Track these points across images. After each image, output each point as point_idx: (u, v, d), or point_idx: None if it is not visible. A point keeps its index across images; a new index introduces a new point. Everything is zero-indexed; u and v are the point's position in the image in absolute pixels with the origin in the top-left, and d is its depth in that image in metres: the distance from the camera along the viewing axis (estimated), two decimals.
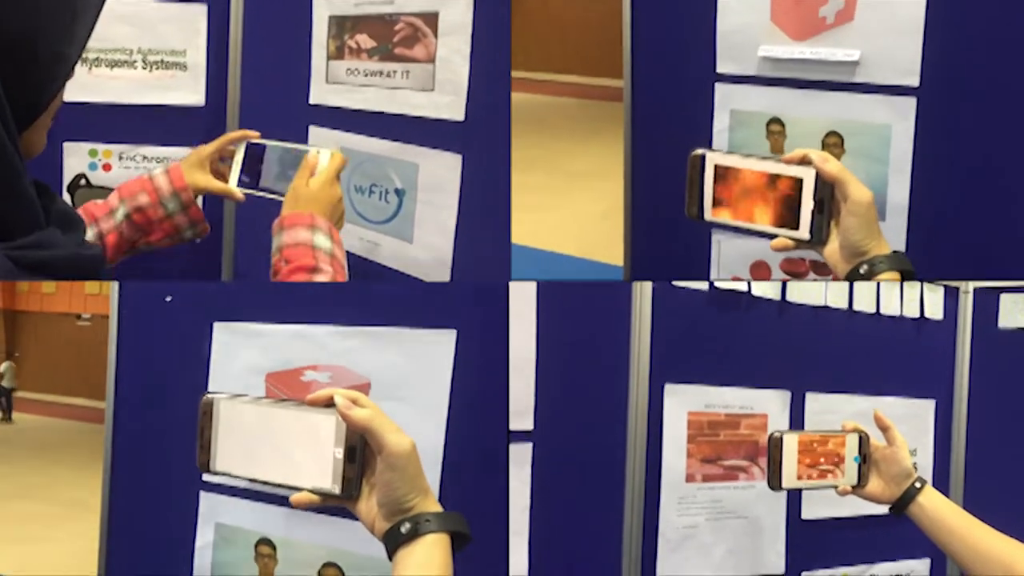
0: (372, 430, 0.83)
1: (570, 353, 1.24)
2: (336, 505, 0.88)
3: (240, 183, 1.39)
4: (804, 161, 1.03)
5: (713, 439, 1.33)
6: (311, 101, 1.62)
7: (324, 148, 1.30)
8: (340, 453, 0.86)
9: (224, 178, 1.41)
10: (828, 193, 1.02)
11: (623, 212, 1.62)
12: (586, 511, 1.26)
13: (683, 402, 1.31)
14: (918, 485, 1.10)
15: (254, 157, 1.38)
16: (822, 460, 1.13)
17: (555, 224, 3.46)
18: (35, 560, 3.82)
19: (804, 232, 1.04)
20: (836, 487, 1.13)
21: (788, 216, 1.05)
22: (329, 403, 0.86)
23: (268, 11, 1.73)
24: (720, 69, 1.45)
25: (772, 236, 1.06)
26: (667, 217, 1.51)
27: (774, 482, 1.12)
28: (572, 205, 3.80)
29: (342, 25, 1.57)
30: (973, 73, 1.25)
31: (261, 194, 1.36)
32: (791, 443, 1.12)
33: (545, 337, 1.20)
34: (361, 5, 1.53)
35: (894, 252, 1.01)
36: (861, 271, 1.00)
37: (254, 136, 1.40)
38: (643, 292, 1.27)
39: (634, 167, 1.59)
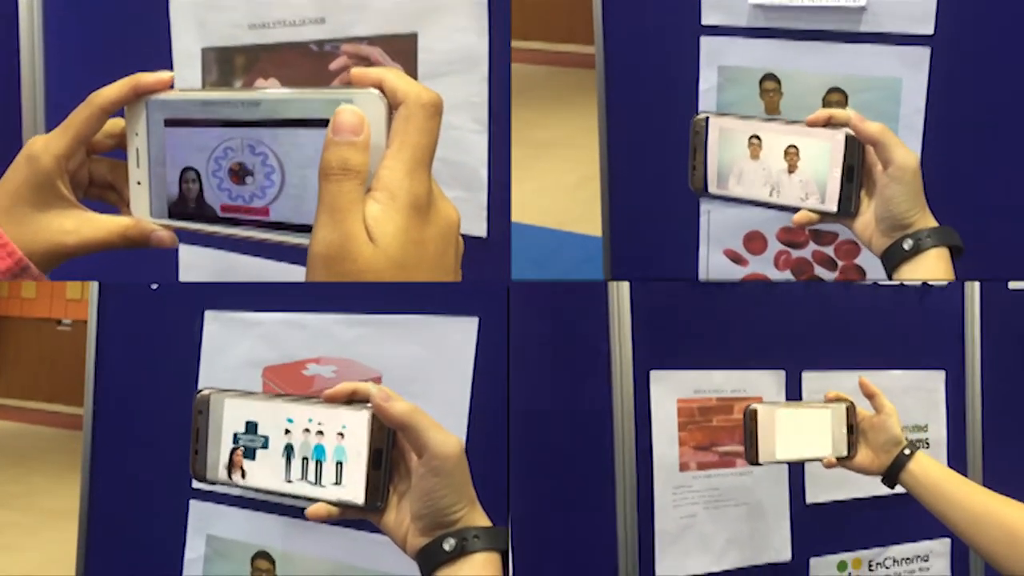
0: (413, 427, 0.70)
1: (546, 345, 1.17)
2: (357, 518, 0.76)
3: (158, 207, 0.71)
4: (831, 122, 0.94)
5: (705, 425, 1.28)
6: None
7: (360, 89, 0.62)
8: (364, 457, 0.73)
9: (120, 197, 0.74)
10: (858, 158, 0.93)
11: (600, 182, 1.52)
12: (576, 506, 1.20)
13: (671, 389, 1.26)
14: (908, 452, 1.05)
15: (181, 140, 0.70)
16: (804, 431, 1.08)
17: (527, 195, 3.34)
18: (11, 570, 3.73)
19: (831, 204, 0.94)
20: (821, 459, 1.08)
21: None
22: (350, 399, 0.74)
23: (87, 31, 1.25)
24: (705, 20, 1.33)
25: (793, 210, 0.97)
26: (649, 186, 1.44)
27: (751, 455, 1.07)
28: (543, 175, 3.70)
29: (228, 62, 1.04)
30: (993, 18, 1.16)
31: (224, 231, 0.70)
32: (767, 415, 1.07)
33: (517, 331, 1.11)
34: (265, 28, 0.99)
35: (940, 226, 0.92)
36: (905, 246, 0.89)
37: (159, 85, 0.70)
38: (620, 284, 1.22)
39: (610, 133, 1.48)
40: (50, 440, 6.36)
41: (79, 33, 1.27)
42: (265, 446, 0.78)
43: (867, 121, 0.91)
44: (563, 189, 3.55)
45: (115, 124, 0.72)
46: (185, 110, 0.69)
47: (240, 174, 0.68)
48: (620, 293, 1.22)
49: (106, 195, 0.75)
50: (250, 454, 0.78)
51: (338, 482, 0.75)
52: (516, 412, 1.14)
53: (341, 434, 0.75)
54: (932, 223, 0.91)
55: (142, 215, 0.72)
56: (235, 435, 0.78)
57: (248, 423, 0.78)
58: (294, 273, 1.19)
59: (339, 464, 0.75)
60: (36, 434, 6.68)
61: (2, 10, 1.25)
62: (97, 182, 0.75)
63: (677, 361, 1.26)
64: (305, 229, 0.63)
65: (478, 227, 0.98)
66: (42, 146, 0.69)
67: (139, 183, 0.72)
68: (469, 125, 0.94)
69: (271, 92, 0.67)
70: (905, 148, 0.90)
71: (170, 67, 1.10)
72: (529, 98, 4.57)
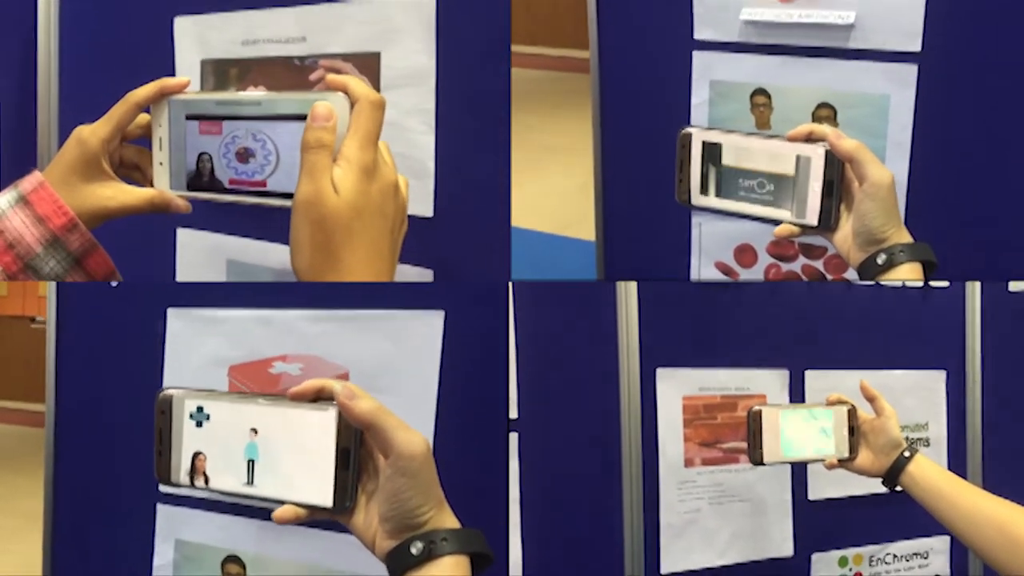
0: (378, 426, 0.70)
1: (553, 342, 1.20)
2: (326, 519, 0.75)
3: (176, 182, 0.90)
4: (811, 138, 0.95)
5: (710, 422, 1.31)
6: None
7: (331, 92, 0.82)
8: (331, 457, 0.72)
9: (143, 175, 0.93)
10: (838, 173, 0.94)
11: (593, 190, 1.54)
12: (583, 500, 1.22)
13: (676, 386, 1.28)
14: (907, 454, 1.06)
15: (198, 130, 0.88)
16: (806, 432, 1.11)
17: (526, 200, 3.32)
18: None
19: (812, 217, 0.96)
20: (823, 460, 1.10)
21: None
22: (315, 397, 0.74)
23: (101, 47, 1.33)
24: (698, 35, 1.35)
25: (775, 223, 0.98)
26: (642, 196, 1.46)
27: (756, 456, 1.09)
28: (543, 180, 3.68)
29: (224, 73, 1.19)
30: (980, 37, 1.16)
31: (231, 198, 0.88)
32: (772, 417, 1.09)
33: (524, 326, 1.15)
34: (256, 44, 1.15)
35: (915, 241, 0.93)
36: (879, 261, 0.91)
37: (180, 87, 0.89)
38: (628, 284, 1.25)
39: (604, 143, 1.49)
40: (30, 440, 6.20)
41: (92, 47, 1.34)
42: (229, 448, 0.76)
43: (844, 138, 0.93)
44: (562, 194, 3.53)
45: (142, 118, 0.90)
46: (202, 107, 0.88)
47: (245, 155, 0.87)
48: (628, 293, 1.25)
49: (132, 174, 0.93)
50: (213, 456, 0.77)
51: (305, 483, 0.74)
52: (524, 409, 1.17)
53: (307, 434, 0.73)
54: (907, 239, 0.92)
55: (163, 188, 0.90)
56: (197, 437, 0.78)
57: (212, 424, 0.78)
58: (278, 251, 1.19)
59: (305, 465, 0.73)
60: (12, 433, 6.58)
61: (21, 15, 1.35)
62: (126, 163, 0.92)
63: (683, 359, 1.28)
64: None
65: (424, 208, 1.08)
66: (90, 131, 0.87)
67: (161, 164, 0.90)
68: (419, 128, 1.06)
69: (269, 94, 0.86)
70: (880, 165, 0.92)
71: (173, 76, 1.18)
72: (531, 103, 4.52)
